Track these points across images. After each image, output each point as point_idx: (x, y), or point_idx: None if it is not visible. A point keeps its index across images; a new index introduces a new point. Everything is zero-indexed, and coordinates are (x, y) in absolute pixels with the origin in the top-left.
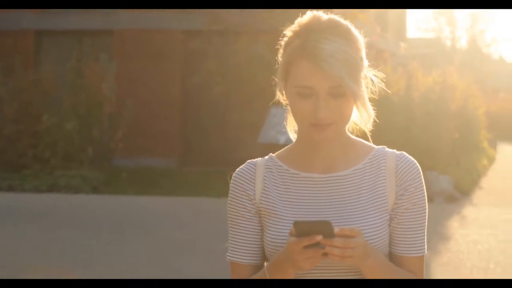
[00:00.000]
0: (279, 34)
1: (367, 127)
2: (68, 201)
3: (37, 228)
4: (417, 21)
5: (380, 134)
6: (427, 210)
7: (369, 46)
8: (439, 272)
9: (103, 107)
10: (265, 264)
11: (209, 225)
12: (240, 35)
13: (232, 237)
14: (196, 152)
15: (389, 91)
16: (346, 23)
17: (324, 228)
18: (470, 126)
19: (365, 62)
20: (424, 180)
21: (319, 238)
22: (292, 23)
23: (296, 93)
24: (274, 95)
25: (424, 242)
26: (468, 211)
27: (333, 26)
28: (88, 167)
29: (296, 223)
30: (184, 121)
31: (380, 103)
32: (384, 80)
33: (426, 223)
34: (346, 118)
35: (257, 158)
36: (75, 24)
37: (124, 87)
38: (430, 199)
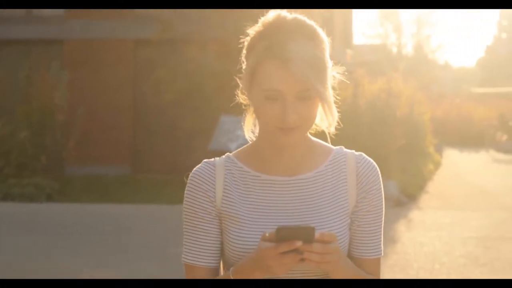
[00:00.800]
0: (227, 43)
1: (331, 129)
2: (23, 209)
3: None
4: (363, 27)
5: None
6: (383, 213)
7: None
8: (386, 273)
9: (55, 115)
10: (223, 268)
11: (161, 230)
12: (189, 44)
13: (188, 239)
14: (147, 160)
15: (339, 98)
16: (311, 23)
17: (306, 234)
18: (416, 132)
19: (330, 63)
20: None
21: (298, 244)
22: (241, 32)
23: (263, 96)
24: (223, 103)
25: (381, 243)
26: (415, 214)
27: (299, 26)
28: (41, 175)
29: (279, 229)
30: (135, 129)
31: None
32: (345, 74)
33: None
34: (312, 121)
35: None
36: (25, 34)
37: (75, 95)
38: None
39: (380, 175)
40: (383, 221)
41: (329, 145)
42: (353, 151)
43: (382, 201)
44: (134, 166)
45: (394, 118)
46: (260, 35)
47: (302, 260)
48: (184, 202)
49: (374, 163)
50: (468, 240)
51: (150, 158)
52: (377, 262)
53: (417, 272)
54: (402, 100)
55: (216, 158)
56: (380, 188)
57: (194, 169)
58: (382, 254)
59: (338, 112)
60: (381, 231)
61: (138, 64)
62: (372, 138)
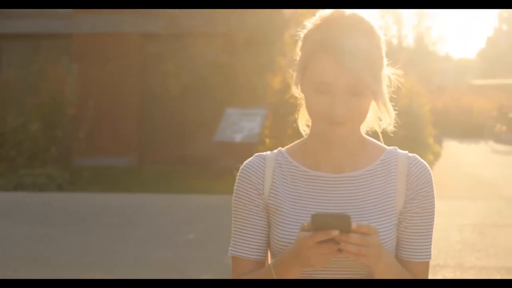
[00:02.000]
0: (232, 37)
1: (389, 127)
2: (34, 198)
3: (6, 224)
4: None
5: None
6: (435, 215)
7: None
8: None
9: (65, 108)
10: (270, 261)
11: (168, 219)
12: (195, 38)
13: (237, 231)
14: (153, 151)
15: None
16: (369, 19)
17: (342, 223)
18: (416, 123)
19: (385, 61)
20: None
21: (335, 233)
22: (246, 27)
23: (314, 89)
24: (228, 95)
25: (430, 247)
26: None
27: (356, 21)
28: (51, 166)
29: (314, 216)
30: (142, 122)
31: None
32: (401, 78)
33: (433, 228)
34: (362, 117)
35: (213, 155)
36: (33, 28)
37: (84, 89)
38: None
39: (432, 178)
40: (433, 225)
41: (383, 145)
42: (407, 152)
43: (433, 204)
44: (140, 158)
45: (394, 109)
46: (316, 28)
47: (340, 250)
48: (234, 195)
49: (427, 165)
50: (465, 227)
51: (156, 149)
52: (425, 266)
53: None
54: (402, 92)
55: (268, 152)
56: (432, 191)
57: (245, 162)
58: (431, 258)
59: None
60: (430, 234)
61: (145, 58)
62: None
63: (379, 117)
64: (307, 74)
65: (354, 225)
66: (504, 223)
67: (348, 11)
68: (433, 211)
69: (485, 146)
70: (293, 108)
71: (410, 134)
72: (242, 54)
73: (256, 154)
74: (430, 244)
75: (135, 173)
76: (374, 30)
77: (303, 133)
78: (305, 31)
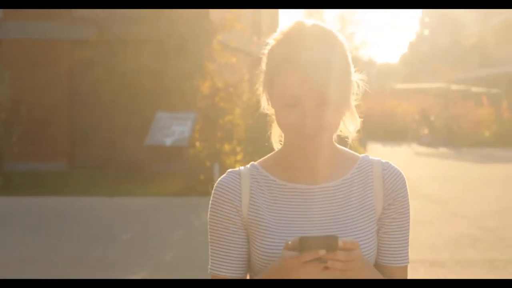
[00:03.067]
0: (162, 43)
1: (352, 134)
2: None
3: None
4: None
5: (259, 135)
6: (410, 220)
7: (248, 55)
8: None
9: None
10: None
11: (103, 221)
12: (126, 44)
13: (215, 250)
14: (84, 156)
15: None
16: (330, 29)
17: (329, 243)
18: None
19: (352, 68)
20: None
21: (322, 253)
22: (176, 33)
23: (282, 103)
24: (158, 100)
25: (408, 251)
26: None
27: (317, 33)
28: None
29: (303, 239)
30: (73, 126)
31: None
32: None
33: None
34: (334, 128)
35: (144, 159)
36: None
37: (16, 94)
38: None
39: (406, 183)
40: (409, 229)
41: (355, 153)
42: (380, 158)
43: (408, 209)
44: (71, 162)
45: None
46: (278, 43)
47: (326, 268)
48: (210, 213)
49: (401, 170)
50: None
51: (87, 154)
52: (404, 270)
53: None
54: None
55: (241, 167)
56: (407, 196)
57: (219, 179)
58: (408, 263)
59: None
60: (407, 239)
61: (75, 64)
62: None
63: (344, 124)
64: (274, 89)
65: (340, 243)
66: (426, 219)
67: (308, 22)
68: (409, 215)
69: (408, 149)
70: (222, 112)
71: (337, 136)
72: (172, 59)
73: (230, 170)
74: (408, 248)
75: (67, 177)
76: (337, 38)
77: (276, 148)
78: (268, 47)
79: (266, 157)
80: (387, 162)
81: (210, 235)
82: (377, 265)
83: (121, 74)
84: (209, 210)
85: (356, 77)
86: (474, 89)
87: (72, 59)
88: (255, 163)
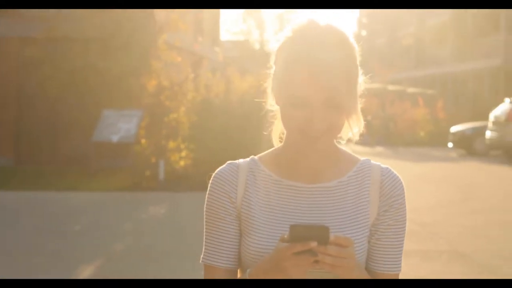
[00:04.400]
0: (107, 41)
1: (355, 136)
2: None
3: None
4: (228, 24)
5: (202, 132)
6: (406, 228)
7: (192, 54)
8: None
9: None
10: (248, 270)
11: (53, 214)
12: (73, 42)
13: (209, 240)
14: (31, 151)
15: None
16: (343, 30)
17: (320, 234)
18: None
19: (359, 70)
20: None
21: (313, 244)
22: (121, 32)
23: (289, 103)
24: (104, 98)
25: (401, 259)
26: None
27: (329, 33)
28: None
29: (292, 227)
30: (19, 123)
31: (203, 105)
32: (209, 84)
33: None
34: (338, 129)
35: (91, 155)
36: None
37: None
38: None
39: (404, 190)
40: (404, 237)
41: (356, 155)
42: (380, 163)
43: (405, 216)
44: (18, 158)
45: (261, 113)
46: (289, 41)
47: (316, 262)
48: (206, 203)
49: (399, 177)
50: None
51: (33, 150)
52: (395, 278)
53: None
54: (269, 96)
55: (240, 159)
56: (404, 203)
57: (218, 169)
58: (400, 270)
59: (212, 105)
60: (401, 247)
61: (23, 61)
62: (242, 130)
63: (348, 125)
64: (282, 88)
65: (332, 237)
66: None
67: (322, 22)
68: (405, 223)
69: (346, 148)
70: (167, 110)
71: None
72: (118, 58)
73: (229, 162)
74: (401, 256)
75: (13, 172)
76: (348, 40)
77: (276, 146)
78: (279, 44)
79: (266, 152)
80: (387, 168)
81: (205, 225)
82: (368, 272)
83: (68, 72)
84: (206, 200)
85: (362, 79)
86: (410, 89)
87: (19, 56)
88: (255, 157)
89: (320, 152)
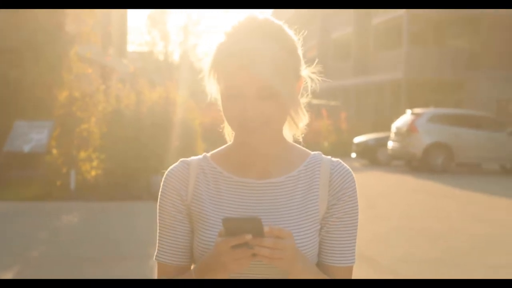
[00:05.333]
0: (20, 53)
1: (299, 129)
2: None
3: None
4: (132, 35)
5: (113, 142)
6: (358, 220)
7: (101, 65)
8: None
9: None
10: (192, 267)
11: None
12: None
13: (161, 238)
14: None
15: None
16: (279, 23)
17: (254, 226)
18: (189, 135)
19: (301, 62)
20: (153, 182)
21: (248, 237)
22: (34, 42)
23: (225, 95)
24: (17, 109)
25: (354, 252)
26: None
27: (264, 26)
28: None
29: (225, 220)
30: None
31: (114, 115)
32: (119, 94)
33: (356, 233)
34: (277, 121)
35: (3, 164)
36: None
37: None
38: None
39: (355, 183)
40: (356, 230)
41: (308, 150)
42: (330, 157)
43: (356, 209)
44: None
45: (170, 122)
46: (225, 35)
47: (254, 255)
48: (159, 201)
49: (350, 169)
50: None
51: None
52: (347, 271)
53: None
54: (177, 106)
55: (193, 157)
56: (354, 196)
57: (170, 167)
58: (354, 263)
59: (123, 116)
60: (354, 239)
61: None
62: (153, 140)
63: (292, 119)
64: (219, 81)
65: (266, 228)
66: None
67: (260, 16)
68: (357, 215)
69: None
70: (78, 120)
71: (184, 145)
72: (30, 69)
73: (181, 159)
74: (354, 248)
75: None
76: (284, 31)
77: (229, 141)
78: (217, 41)
79: (218, 149)
80: (338, 161)
81: (158, 223)
82: (320, 265)
83: None
84: (159, 198)
85: (306, 72)
86: (315, 101)
87: None
88: (207, 154)
89: (264, 146)
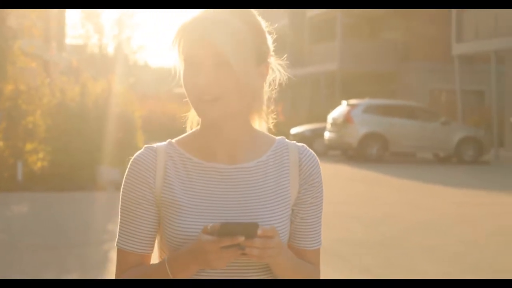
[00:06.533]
0: None
1: (261, 117)
2: None
3: None
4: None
5: (59, 134)
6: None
7: (45, 60)
8: None
9: None
10: (160, 255)
11: None
12: None
13: (124, 225)
14: None
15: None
16: (248, 10)
17: (249, 230)
18: (129, 128)
19: (267, 48)
20: (98, 173)
21: (241, 239)
22: None
23: (185, 63)
24: None
25: (321, 234)
26: None
27: (229, 9)
28: None
29: (223, 225)
30: None
31: (59, 108)
32: (64, 88)
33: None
34: (235, 94)
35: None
36: None
37: None
38: (104, 188)
39: (320, 167)
40: (322, 213)
41: (271, 135)
42: (295, 142)
43: (322, 193)
44: None
45: (113, 114)
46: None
47: (244, 254)
48: (123, 187)
49: (315, 155)
50: None
51: None
52: (318, 253)
53: None
54: (119, 99)
55: (157, 143)
56: (321, 181)
57: (136, 154)
58: (321, 245)
59: (68, 108)
60: (321, 222)
61: None
62: (96, 132)
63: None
64: (181, 52)
65: (259, 231)
66: None
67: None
68: (322, 199)
69: None
70: (24, 113)
71: (126, 136)
72: None
73: (146, 146)
74: (321, 231)
75: None
76: (251, 14)
77: (189, 130)
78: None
79: (183, 135)
80: (303, 146)
81: (121, 210)
82: (291, 249)
83: None
84: (122, 184)
85: (273, 61)
86: None
87: None
88: (172, 140)
89: (227, 128)
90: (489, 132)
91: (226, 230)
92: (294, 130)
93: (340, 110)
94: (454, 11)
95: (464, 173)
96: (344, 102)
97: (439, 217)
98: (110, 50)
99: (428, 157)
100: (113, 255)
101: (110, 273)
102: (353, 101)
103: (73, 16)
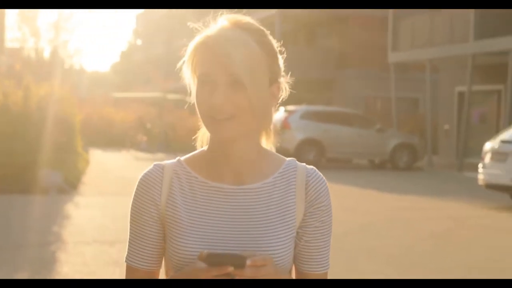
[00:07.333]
0: None
1: (270, 137)
2: None
3: None
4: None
5: (1, 137)
6: (331, 227)
7: None
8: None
9: None
10: (167, 272)
11: None
12: None
13: (132, 241)
14: None
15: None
16: (262, 28)
17: (236, 261)
18: (69, 132)
19: (279, 68)
20: (41, 176)
21: (230, 269)
22: None
23: (198, 82)
24: None
25: (329, 258)
26: (78, 199)
27: (245, 24)
28: None
29: (209, 255)
30: None
31: (1, 112)
32: (6, 91)
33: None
34: (247, 114)
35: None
36: None
37: None
38: (46, 191)
39: (329, 191)
40: (331, 236)
41: (283, 156)
42: (305, 164)
43: (331, 216)
44: None
45: (55, 118)
46: (204, 30)
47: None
48: (132, 204)
49: (324, 178)
50: None
51: None
52: (324, 276)
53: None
54: (60, 103)
55: (166, 161)
56: (329, 204)
57: (144, 171)
58: (329, 268)
59: (11, 112)
60: (329, 246)
61: None
62: (40, 135)
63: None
64: (195, 70)
65: (249, 262)
66: None
67: (244, 18)
68: (331, 222)
69: (128, 154)
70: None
71: (67, 140)
72: None
73: (155, 163)
74: (328, 255)
75: None
76: (264, 33)
77: (199, 149)
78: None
79: (192, 153)
80: (312, 168)
81: (130, 226)
82: (297, 272)
83: None
84: (132, 201)
85: (283, 82)
86: (188, 98)
87: None
88: (181, 158)
89: (238, 147)
90: (423, 139)
91: (212, 260)
92: None
93: (279, 116)
94: (390, 20)
95: (398, 179)
96: (281, 108)
97: (377, 221)
98: (47, 54)
99: (364, 163)
100: (60, 256)
101: (59, 273)
102: (290, 107)
103: (10, 18)
